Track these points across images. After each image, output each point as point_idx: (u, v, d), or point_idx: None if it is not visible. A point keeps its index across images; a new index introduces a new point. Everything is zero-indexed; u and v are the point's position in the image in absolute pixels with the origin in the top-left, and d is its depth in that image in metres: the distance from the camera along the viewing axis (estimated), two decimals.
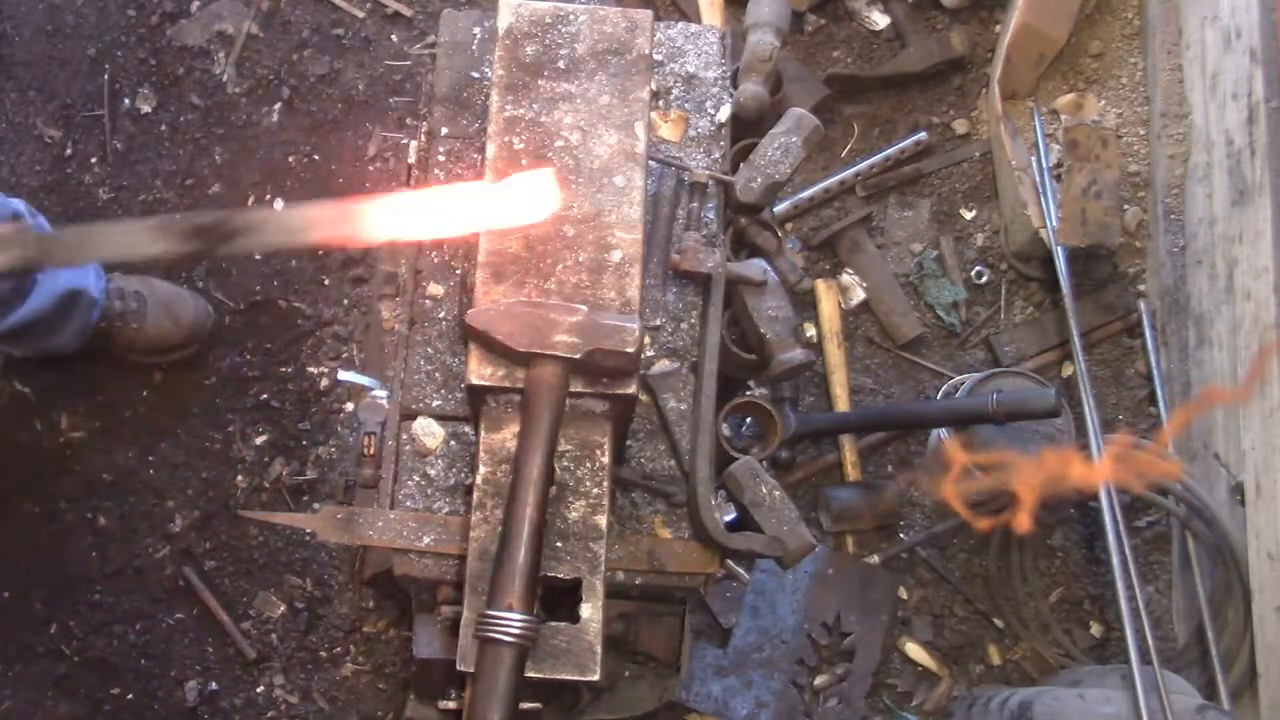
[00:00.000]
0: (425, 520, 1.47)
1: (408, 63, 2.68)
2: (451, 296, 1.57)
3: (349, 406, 2.44)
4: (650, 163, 1.50)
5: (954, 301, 2.58)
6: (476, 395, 1.36)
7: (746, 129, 1.67)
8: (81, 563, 2.35)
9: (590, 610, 1.31)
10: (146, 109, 2.61)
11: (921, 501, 2.49)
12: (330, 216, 1.18)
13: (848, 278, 2.59)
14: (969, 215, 2.65)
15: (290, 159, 2.61)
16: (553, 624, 1.30)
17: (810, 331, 2.54)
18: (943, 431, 2.30)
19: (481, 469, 1.36)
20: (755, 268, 1.61)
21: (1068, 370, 2.53)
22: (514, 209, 1.26)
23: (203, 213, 1.23)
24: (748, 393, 2.05)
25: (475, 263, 1.38)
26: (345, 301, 2.53)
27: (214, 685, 2.31)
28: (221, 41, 2.67)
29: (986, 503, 1.90)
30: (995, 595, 2.42)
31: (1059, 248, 2.41)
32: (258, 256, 2.53)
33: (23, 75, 2.62)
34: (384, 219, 1.19)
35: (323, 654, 2.35)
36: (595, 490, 1.35)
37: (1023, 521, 1.50)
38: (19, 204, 1.97)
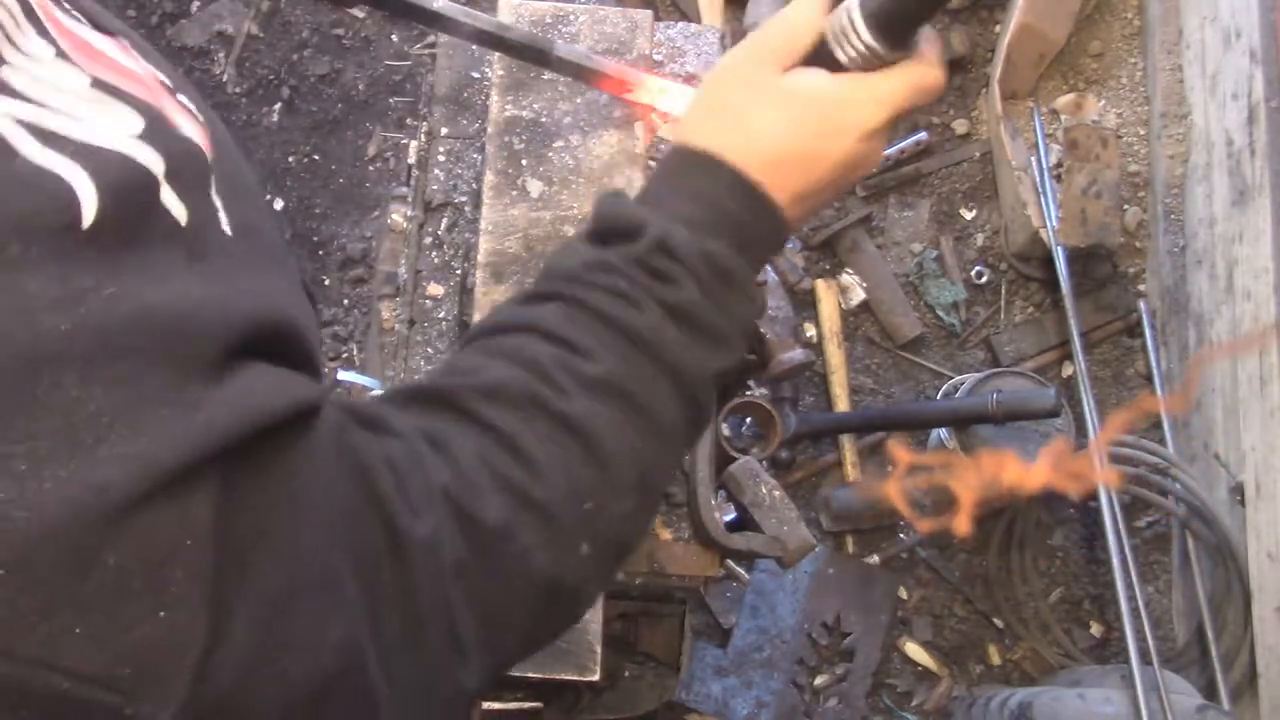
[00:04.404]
0: None
1: (408, 63, 2.68)
2: (451, 296, 1.57)
3: None
4: (650, 163, 1.50)
5: (954, 301, 2.58)
6: None
7: None
8: None
9: (590, 610, 1.31)
10: None
11: (923, 502, 2.49)
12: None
13: (848, 278, 2.59)
14: (969, 215, 2.65)
15: (290, 159, 2.61)
16: None
17: (810, 331, 2.54)
18: (942, 432, 2.30)
19: None
20: None
21: (1068, 370, 2.53)
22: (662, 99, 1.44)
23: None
24: (748, 393, 2.05)
25: (475, 263, 1.38)
26: (345, 301, 2.53)
27: None
28: (221, 41, 2.67)
29: (929, 504, 1.91)
30: (995, 595, 2.42)
31: (1059, 248, 2.41)
32: None
33: None
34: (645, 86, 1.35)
35: None
36: None
37: (961, 524, 1.49)
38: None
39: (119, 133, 0.61)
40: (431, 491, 0.68)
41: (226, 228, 0.72)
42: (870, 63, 0.79)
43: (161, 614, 0.53)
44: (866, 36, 0.77)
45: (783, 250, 0.81)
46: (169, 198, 0.62)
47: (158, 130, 0.65)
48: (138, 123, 0.64)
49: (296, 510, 0.59)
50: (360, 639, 0.62)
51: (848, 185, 0.86)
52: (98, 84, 0.65)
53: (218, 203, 0.73)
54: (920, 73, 0.82)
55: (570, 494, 0.71)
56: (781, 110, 0.81)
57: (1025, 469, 1.60)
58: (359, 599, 0.62)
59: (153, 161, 0.61)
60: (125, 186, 0.58)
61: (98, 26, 0.75)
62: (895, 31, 0.77)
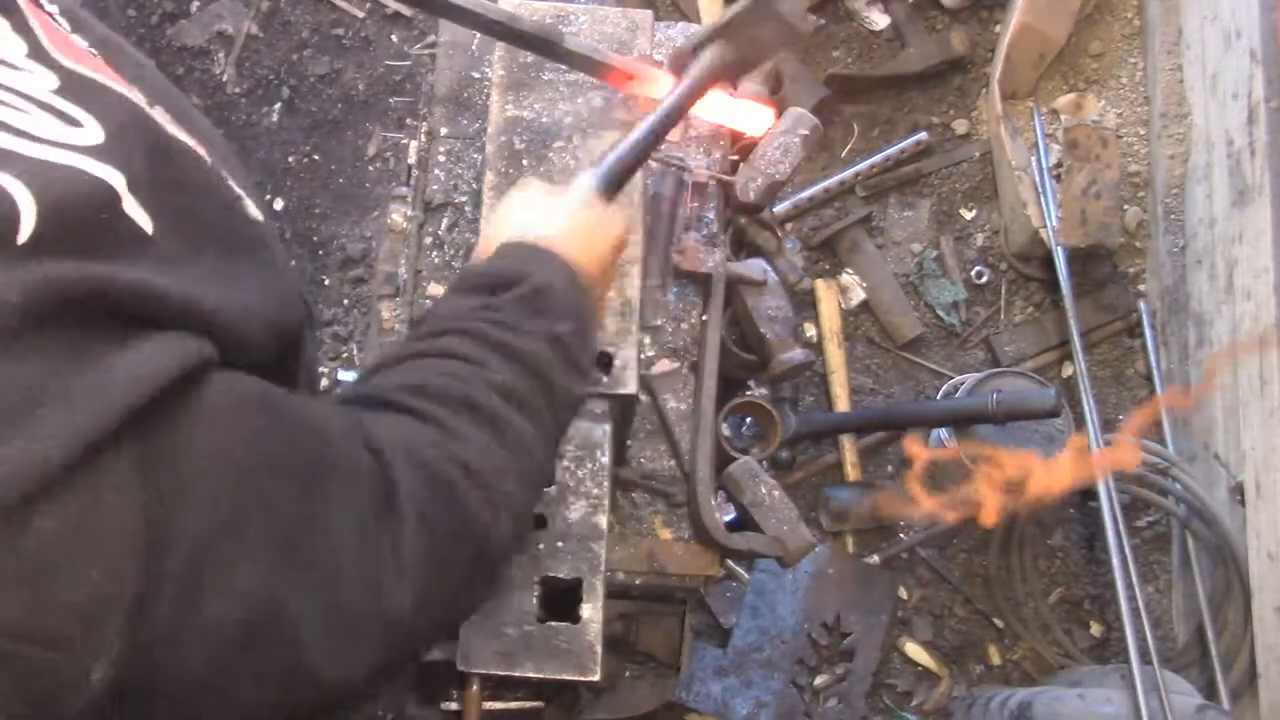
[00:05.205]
0: None
1: (408, 63, 2.68)
2: None
3: None
4: (650, 163, 1.50)
5: (954, 301, 2.58)
6: None
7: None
8: None
9: (590, 610, 1.31)
10: None
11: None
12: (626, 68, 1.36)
13: (848, 278, 2.59)
14: (969, 215, 2.65)
15: (290, 159, 2.61)
16: (553, 624, 1.30)
17: (810, 331, 2.54)
18: (943, 432, 2.30)
19: None
20: (755, 268, 1.61)
21: (1068, 370, 2.53)
22: (738, 117, 1.45)
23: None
24: (748, 393, 2.05)
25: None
26: (345, 301, 2.53)
27: None
28: (221, 41, 2.67)
29: (955, 499, 1.93)
30: (995, 595, 2.42)
31: (1059, 248, 2.41)
32: None
33: None
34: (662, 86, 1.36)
35: None
36: (595, 490, 1.35)
37: (988, 518, 1.51)
38: None
39: (73, 148, 0.62)
40: (377, 445, 0.75)
41: (256, 212, 0.77)
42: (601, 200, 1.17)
43: (94, 572, 0.55)
44: (600, 187, 1.16)
45: (594, 316, 1.09)
46: (132, 208, 0.64)
47: (124, 139, 0.66)
48: (97, 134, 0.65)
49: (212, 456, 0.62)
50: (273, 581, 0.65)
51: (609, 280, 1.16)
52: (68, 84, 0.66)
53: (238, 189, 0.77)
54: (625, 209, 1.19)
55: (496, 471, 0.82)
56: (559, 210, 1.09)
57: (1051, 471, 1.62)
58: (270, 540, 0.65)
59: (110, 175, 0.62)
60: (71, 201, 0.59)
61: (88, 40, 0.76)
62: (615, 186, 1.18)
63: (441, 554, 0.76)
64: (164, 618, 0.59)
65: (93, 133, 0.65)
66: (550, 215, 1.09)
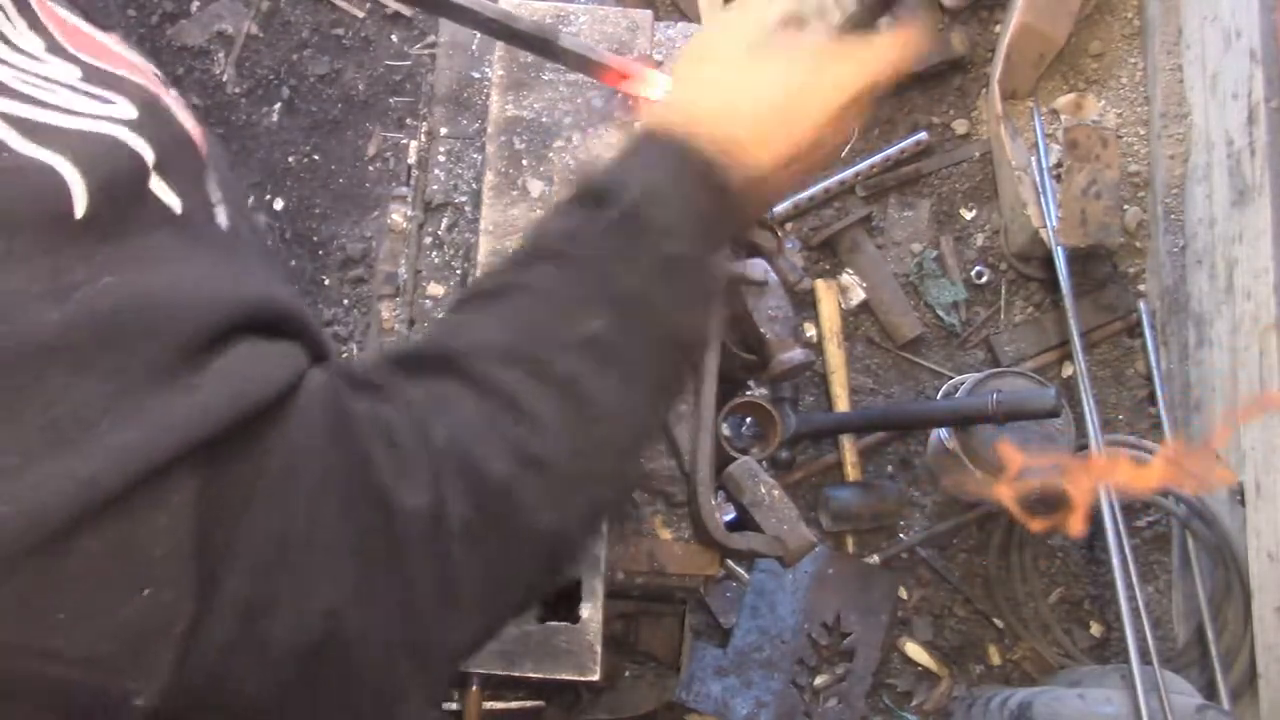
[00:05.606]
0: None
1: (408, 63, 2.68)
2: (451, 296, 1.57)
3: None
4: None
5: (954, 301, 2.58)
6: None
7: None
8: None
9: (590, 610, 1.31)
10: None
11: (921, 502, 2.49)
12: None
13: (848, 278, 2.59)
14: (969, 215, 2.65)
15: (290, 159, 2.62)
16: (552, 624, 1.31)
17: (810, 331, 2.54)
18: (943, 432, 2.30)
19: None
20: (755, 268, 1.61)
21: (1068, 370, 2.53)
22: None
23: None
24: (748, 393, 2.05)
25: (475, 263, 1.38)
26: (345, 301, 2.53)
27: None
28: (221, 41, 2.67)
29: (1039, 504, 1.92)
30: (995, 595, 2.42)
31: (1059, 248, 2.41)
32: None
33: None
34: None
35: None
36: None
37: (1076, 524, 1.49)
38: None
39: (110, 120, 0.61)
40: (432, 452, 0.68)
41: (223, 220, 0.73)
42: (855, 25, 0.85)
43: (145, 592, 0.53)
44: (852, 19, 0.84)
45: (752, 225, 0.85)
46: (159, 186, 0.62)
47: (151, 119, 0.65)
48: (130, 110, 0.63)
49: (281, 479, 0.59)
50: (345, 603, 0.62)
51: (825, 154, 0.87)
52: (90, 74, 0.65)
53: (214, 196, 0.73)
54: (899, 39, 0.86)
55: (568, 451, 0.72)
56: (767, 65, 0.84)
57: (1140, 470, 1.60)
58: (343, 563, 0.62)
59: (143, 149, 0.61)
60: (115, 174, 0.58)
61: (93, 23, 0.75)
62: (882, 6, 0.84)
63: (497, 570, 0.70)
64: (223, 638, 0.56)
65: (126, 109, 0.63)
66: (748, 51, 0.84)
